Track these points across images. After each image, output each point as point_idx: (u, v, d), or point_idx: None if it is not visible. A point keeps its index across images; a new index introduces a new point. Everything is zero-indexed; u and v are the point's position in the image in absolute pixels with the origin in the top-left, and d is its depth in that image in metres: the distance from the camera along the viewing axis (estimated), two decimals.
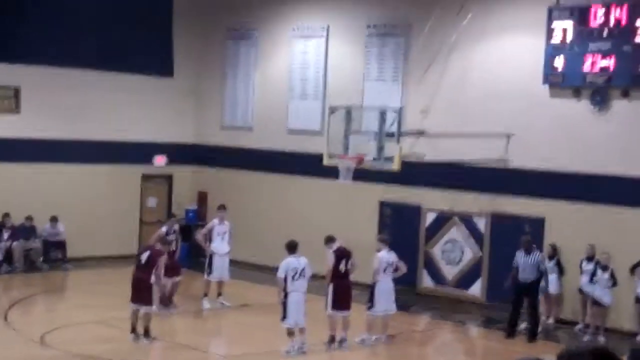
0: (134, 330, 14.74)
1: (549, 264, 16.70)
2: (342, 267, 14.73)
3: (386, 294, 15.22)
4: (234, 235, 18.16)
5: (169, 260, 16.89)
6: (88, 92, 22.19)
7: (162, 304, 16.82)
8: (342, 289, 14.74)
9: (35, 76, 21.33)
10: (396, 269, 15.32)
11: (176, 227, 17.74)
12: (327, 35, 21.25)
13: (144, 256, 14.77)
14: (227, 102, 23.37)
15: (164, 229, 17.48)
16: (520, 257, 15.96)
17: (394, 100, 19.18)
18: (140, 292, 14.65)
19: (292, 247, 14.40)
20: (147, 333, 14.72)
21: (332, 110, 18.06)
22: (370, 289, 15.33)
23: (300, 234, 16.78)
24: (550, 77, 17.30)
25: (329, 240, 15.06)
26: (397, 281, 15.67)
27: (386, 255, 15.21)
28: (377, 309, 15.18)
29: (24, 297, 18.35)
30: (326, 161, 17.55)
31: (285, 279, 14.09)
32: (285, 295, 14.12)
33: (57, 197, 21.64)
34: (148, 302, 14.63)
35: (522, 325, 16.44)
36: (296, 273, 14.10)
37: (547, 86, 17.44)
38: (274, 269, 19.51)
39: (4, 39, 20.73)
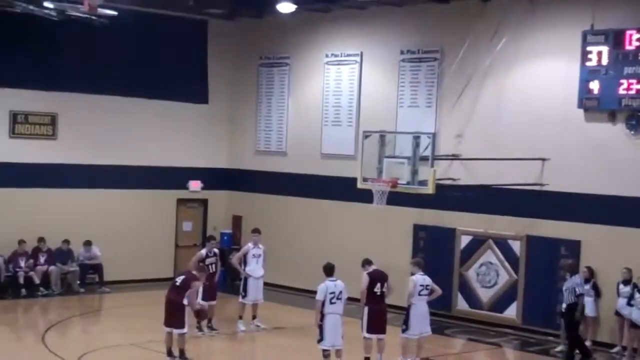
0: (169, 353, 14.84)
1: (586, 287, 16.59)
2: (377, 289, 14.74)
3: (421, 317, 15.22)
4: (268, 259, 18.24)
5: (208, 283, 17.04)
6: (124, 119, 22.53)
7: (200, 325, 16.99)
8: (377, 312, 14.74)
9: (72, 103, 21.68)
10: (431, 292, 15.33)
11: (216, 250, 17.85)
12: (361, 61, 21.40)
13: (179, 279, 14.91)
14: (261, 127, 23.58)
15: (203, 251, 17.62)
16: (573, 282, 15.96)
17: (428, 126, 19.25)
18: (173, 315, 14.72)
19: (329, 270, 14.47)
20: (182, 355, 14.80)
21: (366, 135, 18.18)
22: (405, 311, 15.34)
23: (334, 257, 16.77)
24: (585, 101, 17.28)
25: (366, 262, 15.11)
26: (432, 304, 15.66)
27: (420, 278, 15.24)
28: (412, 332, 15.17)
29: (61, 319, 18.54)
30: (360, 185, 17.63)
31: (323, 303, 14.15)
32: (322, 318, 14.18)
33: (93, 222, 21.91)
34: (181, 324, 14.72)
35: (558, 348, 16.44)
36: (333, 296, 14.17)
37: (582, 110, 17.42)
38: (308, 292, 19.65)
39: (43, 67, 21.13)
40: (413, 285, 15.12)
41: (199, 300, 16.86)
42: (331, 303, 14.15)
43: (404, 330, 15.23)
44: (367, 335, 14.69)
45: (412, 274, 15.35)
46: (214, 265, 17.43)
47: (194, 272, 15.23)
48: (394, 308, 17.49)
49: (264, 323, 17.86)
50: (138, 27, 21.82)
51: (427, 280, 15.28)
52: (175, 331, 14.74)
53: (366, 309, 14.72)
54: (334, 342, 14.17)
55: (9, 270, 20.51)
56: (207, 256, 17.37)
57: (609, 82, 16.87)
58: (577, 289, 15.92)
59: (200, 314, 16.05)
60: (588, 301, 16.62)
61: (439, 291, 15.49)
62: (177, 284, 14.84)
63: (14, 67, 20.76)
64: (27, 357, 15.26)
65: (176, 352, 14.82)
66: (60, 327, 17.94)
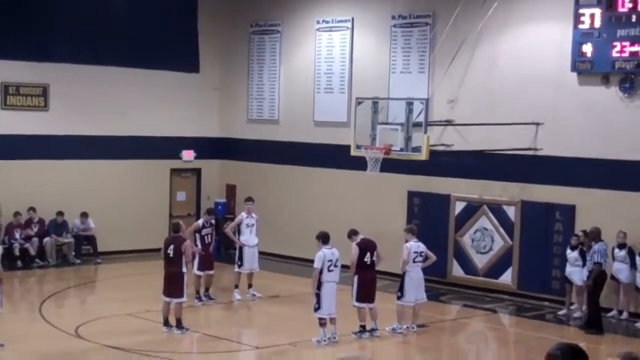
0: (166, 322, 14.89)
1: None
2: (366, 259, 14.75)
3: (416, 284, 15.25)
4: (262, 228, 18.23)
5: (205, 253, 17.10)
6: (115, 89, 22.40)
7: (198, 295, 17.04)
8: (366, 281, 14.76)
9: (64, 74, 21.55)
10: (425, 259, 15.34)
11: (212, 221, 17.84)
12: (352, 27, 21.26)
13: (170, 249, 14.86)
14: (253, 96, 23.47)
15: (200, 221, 17.65)
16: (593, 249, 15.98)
17: (421, 92, 19.15)
18: (172, 285, 14.81)
19: (325, 238, 14.50)
20: (179, 324, 14.86)
21: (359, 101, 18.07)
22: (400, 278, 15.37)
23: (328, 225, 16.81)
24: (579, 64, 17.19)
25: (352, 233, 15.08)
26: (426, 271, 15.68)
27: (414, 245, 15.24)
28: (407, 299, 15.22)
29: (57, 290, 18.59)
30: (353, 152, 17.54)
31: (321, 271, 14.17)
32: (319, 286, 14.21)
33: (86, 193, 21.87)
34: (179, 294, 14.78)
35: (576, 314, 16.65)
36: (331, 264, 14.22)
37: (575, 73, 17.35)
38: (302, 260, 19.67)
39: (33, 38, 20.99)
40: (407, 253, 15.12)
41: (195, 270, 16.94)
42: (329, 271, 14.21)
43: (399, 298, 15.26)
44: (357, 304, 14.73)
45: (407, 241, 15.35)
46: (209, 236, 17.43)
47: (179, 234, 15.12)
48: (389, 275, 17.58)
49: (259, 292, 17.90)
50: None
51: (421, 247, 15.29)
52: (174, 300, 14.78)
53: (356, 278, 14.74)
54: (331, 310, 14.24)
55: (5, 242, 20.49)
56: (203, 226, 17.38)
57: (602, 45, 16.78)
58: (595, 256, 15.85)
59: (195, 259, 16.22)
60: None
61: (433, 258, 15.50)
62: (171, 255, 14.83)
63: (4, 39, 20.66)
64: (24, 329, 15.27)
65: (173, 322, 14.86)
66: (57, 298, 17.99)
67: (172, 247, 14.85)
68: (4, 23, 20.58)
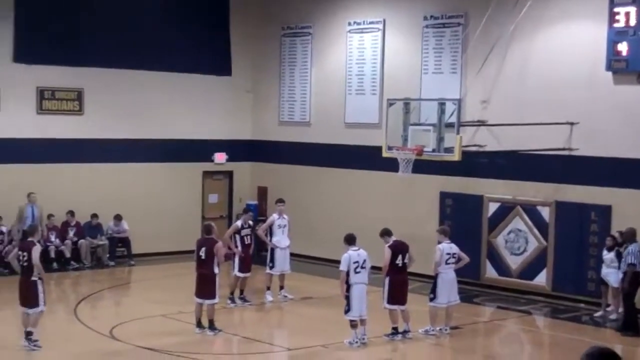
0: (199, 323, 14.94)
1: (609, 255, 16.37)
2: (398, 261, 14.68)
3: (449, 285, 15.15)
4: (293, 229, 18.25)
5: (244, 255, 17.11)
6: (149, 93, 22.57)
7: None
8: (397, 283, 14.68)
9: (98, 78, 21.75)
10: (458, 260, 15.24)
11: (250, 222, 17.84)
12: (384, 28, 21.21)
13: (203, 252, 14.90)
14: (284, 98, 23.51)
15: (239, 222, 17.67)
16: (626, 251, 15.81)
17: (453, 92, 19.05)
18: (204, 286, 14.85)
19: (351, 240, 14.46)
20: (212, 325, 14.91)
21: (391, 103, 18.03)
22: (433, 280, 15.28)
23: (359, 227, 16.79)
24: (614, 62, 16.99)
25: (385, 233, 14.95)
26: (460, 272, 15.58)
27: (447, 247, 15.15)
28: (440, 301, 15.12)
29: (92, 292, 18.75)
30: (385, 153, 17.51)
31: (348, 272, 14.13)
32: (348, 288, 14.18)
33: (121, 196, 22.05)
34: (212, 295, 14.83)
35: (613, 316, 16.46)
36: (357, 265, 14.16)
37: (610, 72, 17.15)
38: (334, 262, 19.62)
39: (68, 43, 21.21)
40: (439, 254, 15.03)
41: (236, 272, 16.94)
42: (356, 272, 14.16)
43: (431, 299, 15.18)
44: (388, 306, 14.66)
45: (439, 243, 15.26)
46: (249, 237, 17.43)
47: (211, 236, 15.16)
48: (422, 277, 17.48)
49: (291, 293, 17.89)
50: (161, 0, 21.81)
51: (453, 248, 15.19)
52: (207, 302, 14.84)
53: (387, 280, 14.67)
54: (361, 311, 14.21)
55: (40, 245, 20.60)
56: (242, 227, 17.41)
57: (637, 44, 16.55)
58: (629, 258, 15.66)
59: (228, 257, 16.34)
60: (612, 271, 16.33)
61: (466, 259, 15.39)
62: (203, 257, 14.87)
63: (40, 44, 20.86)
64: (59, 330, 15.42)
65: (206, 323, 14.90)
66: (92, 299, 18.14)
67: (204, 249, 14.89)
68: (39, 29, 20.81)
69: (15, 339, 14.04)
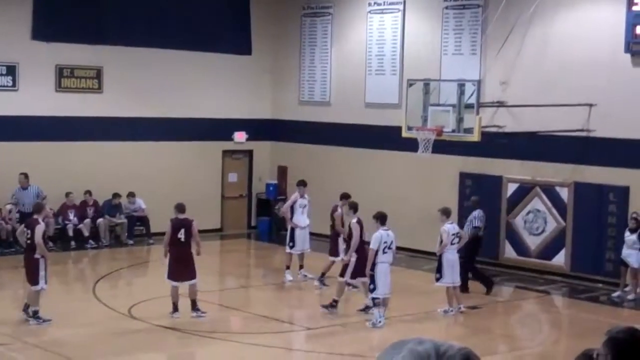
0: (176, 307, 14.72)
1: (632, 236, 16.36)
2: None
3: (453, 265, 15.40)
4: (313, 209, 18.31)
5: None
6: (168, 71, 22.56)
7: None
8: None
9: (117, 56, 21.74)
10: (460, 239, 15.52)
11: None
12: (404, 9, 21.13)
13: (181, 233, 14.75)
14: (304, 78, 23.49)
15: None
16: None
17: (472, 73, 18.99)
18: (185, 268, 14.73)
19: (383, 219, 14.67)
20: (196, 306, 14.82)
21: (410, 83, 18.01)
22: (438, 260, 15.43)
23: (379, 207, 16.73)
24: (632, 45, 16.90)
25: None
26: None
27: (451, 227, 15.47)
28: (446, 280, 15.35)
29: (111, 271, 18.85)
30: (405, 133, 17.52)
31: (376, 252, 14.24)
32: (373, 267, 14.28)
33: (140, 174, 22.09)
34: (193, 275, 14.75)
35: (631, 296, 16.46)
36: (386, 246, 14.32)
37: (629, 54, 17.05)
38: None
39: (87, 21, 21.19)
40: (447, 236, 15.23)
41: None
42: (383, 252, 14.36)
43: (437, 279, 15.44)
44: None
45: (442, 223, 15.41)
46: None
47: (185, 216, 14.97)
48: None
49: (310, 273, 17.97)
50: None
51: (456, 228, 15.62)
52: (189, 283, 14.74)
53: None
54: (386, 290, 14.33)
55: (58, 223, 20.79)
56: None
57: None
58: None
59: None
60: (633, 253, 16.34)
61: (465, 237, 15.80)
62: (182, 239, 14.73)
63: (59, 22, 20.84)
64: (78, 308, 15.56)
65: (183, 306, 14.78)
66: (110, 278, 18.25)
67: (182, 230, 14.76)
68: (58, 6, 20.81)
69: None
